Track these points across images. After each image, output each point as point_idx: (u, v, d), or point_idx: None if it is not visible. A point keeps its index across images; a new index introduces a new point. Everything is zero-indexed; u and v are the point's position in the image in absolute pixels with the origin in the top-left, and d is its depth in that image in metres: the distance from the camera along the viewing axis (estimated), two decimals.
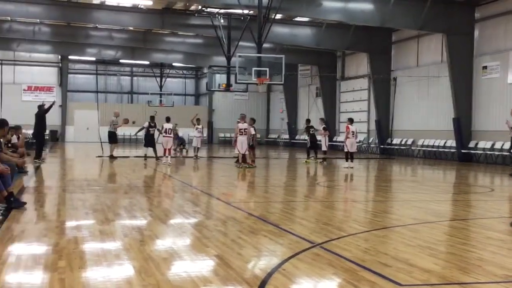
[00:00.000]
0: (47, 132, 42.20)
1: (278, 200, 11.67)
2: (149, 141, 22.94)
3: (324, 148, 23.19)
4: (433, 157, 28.05)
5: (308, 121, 24.58)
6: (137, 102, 49.56)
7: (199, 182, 15.81)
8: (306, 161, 23.25)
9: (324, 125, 23.38)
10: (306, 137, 24.23)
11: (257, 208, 10.06)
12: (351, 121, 21.11)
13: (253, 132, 19.80)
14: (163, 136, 21.29)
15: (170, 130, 21.50)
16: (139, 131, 24.59)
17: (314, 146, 23.28)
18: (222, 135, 47.64)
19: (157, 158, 22.20)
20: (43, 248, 6.46)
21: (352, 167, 20.11)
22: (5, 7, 28.23)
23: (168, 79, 49.26)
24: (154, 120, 23.37)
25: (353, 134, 20.58)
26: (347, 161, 20.41)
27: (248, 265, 5.82)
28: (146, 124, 23.14)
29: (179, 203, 10.90)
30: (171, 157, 21.59)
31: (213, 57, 39.10)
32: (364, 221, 8.89)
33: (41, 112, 20.06)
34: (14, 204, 9.08)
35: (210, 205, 10.88)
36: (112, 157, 23.22)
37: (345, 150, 20.73)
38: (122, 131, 45.09)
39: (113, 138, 24.11)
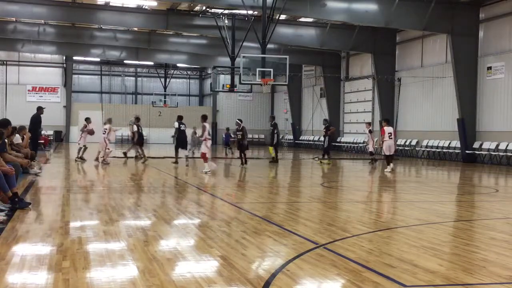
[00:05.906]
0: (51, 132, 42.62)
1: (282, 201, 11.67)
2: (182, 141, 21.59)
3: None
4: (438, 157, 28.00)
5: (325, 121, 24.23)
6: (141, 103, 49.64)
7: (203, 182, 15.79)
8: (322, 162, 22.35)
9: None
10: (323, 138, 23.44)
11: (261, 209, 10.05)
12: (387, 121, 19.65)
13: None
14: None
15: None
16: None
17: (330, 147, 22.47)
18: None
19: (177, 161, 21.04)
20: (48, 248, 6.48)
21: (390, 171, 18.76)
22: (10, 8, 28.37)
23: (172, 80, 49.32)
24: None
25: (390, 135, 19.01)
26: (388, 165, 19.07)
27: (252, 265, 5.82)
28: (176, 125, 21.01)
29: (183, 203, 10.91)
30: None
31: (217, 58, 39.20)
32: (368, 222, 8.87)
33: (37, 115, 19.82)
34: (18, 204, 9.11)
35: (214, 205, 10.88)
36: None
37: (383, 153, 19.52)
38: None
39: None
